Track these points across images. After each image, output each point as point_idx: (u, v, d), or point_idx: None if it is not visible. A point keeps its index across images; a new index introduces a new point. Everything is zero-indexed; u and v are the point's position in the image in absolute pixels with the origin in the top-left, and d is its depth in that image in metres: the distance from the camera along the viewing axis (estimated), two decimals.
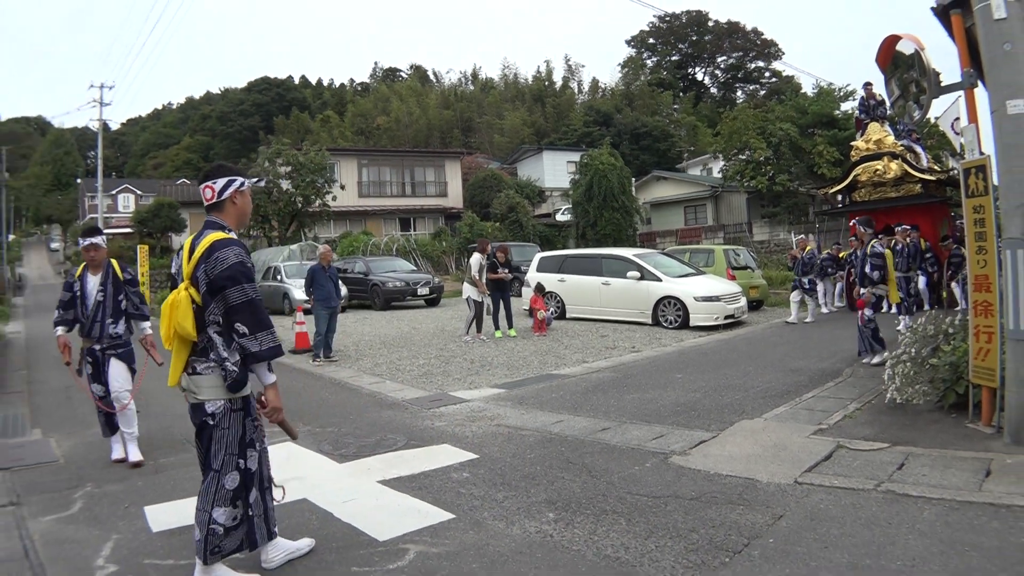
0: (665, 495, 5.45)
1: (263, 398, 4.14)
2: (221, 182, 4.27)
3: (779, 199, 36.89)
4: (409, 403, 9.32)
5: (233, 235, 4.22)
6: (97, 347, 7.08)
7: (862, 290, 10.54)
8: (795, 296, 16.22)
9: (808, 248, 16.48)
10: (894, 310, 13.11)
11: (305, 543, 4.61)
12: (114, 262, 7.27)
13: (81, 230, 8.07)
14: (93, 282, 7.09)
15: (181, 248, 4.27)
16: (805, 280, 16.10)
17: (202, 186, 4.34)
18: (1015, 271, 6.00)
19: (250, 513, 4.23)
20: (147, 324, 7.43)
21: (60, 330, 7.10)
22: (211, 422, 4.11)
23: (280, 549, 4.45)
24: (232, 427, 4.15)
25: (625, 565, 4.26)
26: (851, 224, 13.05)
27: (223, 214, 4.28)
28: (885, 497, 5.17)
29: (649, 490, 5.59)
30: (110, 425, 7.19)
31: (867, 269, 10.34)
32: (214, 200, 4.26)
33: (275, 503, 4.54)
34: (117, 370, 7.03)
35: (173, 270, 4.39)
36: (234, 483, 4.12)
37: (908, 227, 14.48)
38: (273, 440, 7.48)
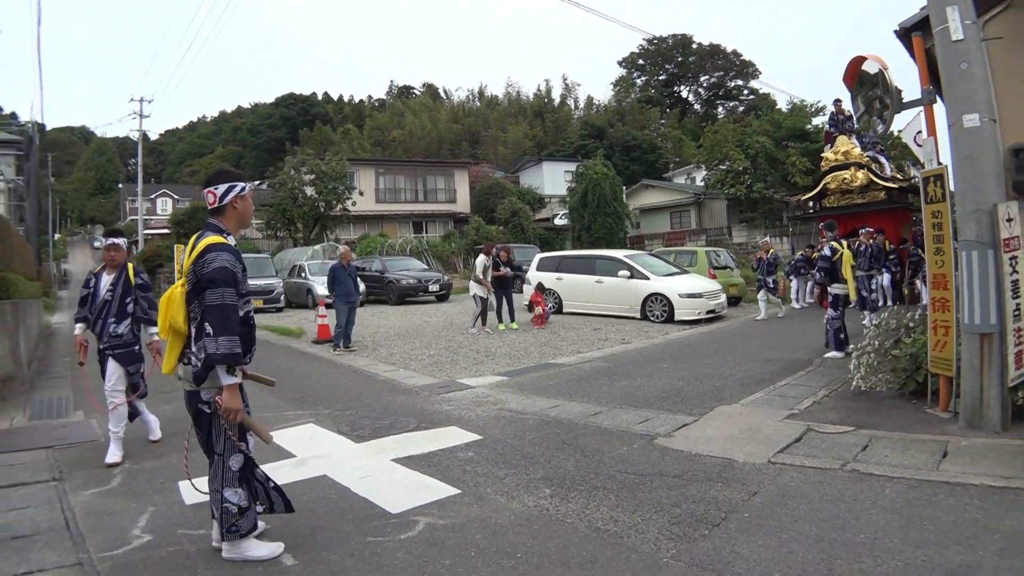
0: (651, 473, 5.45)
1: (218, 399, 3.95)
2: (223, 187, 4.18)
3: (756, 205, 36.85)
4: (420, 389, 9.31)
5: (231, 239, 4.14)
6: (101, 345, 6.67)
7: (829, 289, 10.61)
8: (762, 295, 16.19)
9: (771, 251, 16.48)
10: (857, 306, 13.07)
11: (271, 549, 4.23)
12: (130, 265, 6.84)
13: (105, 231, 7.64)
14: (106, 281, 6.72)
15: (186, 244, 4.18)
16: (769, 280, 16.10)
17: (205, 191, 4.24)
18: (969, 270, 6.01)
19: (270, 485, 4.28)
20: (155, 329, 6.72)
21: (78, 328, 6.80)
22: (207, 410, 4.07)
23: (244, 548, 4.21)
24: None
25: (614, 536, 4.26)
26: (820, 228, 13.07)
27: (224, 218, 4.20)
28: (850, 476, 5.16)
29: (636, 469, 5.59)
30: (130, 415, 6.83)
31: (814, 270, 10.42)
32: (216, 205, 4.18)
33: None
34: (111, 369, 6.57)
35: (179, 265, 4.30)
36: (239, 464, 4.12)
37: (872, 230, 14.47)
38: (296, 422, 7.56)
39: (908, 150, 19.33)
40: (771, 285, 16.11)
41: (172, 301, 4.02)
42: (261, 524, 4.39)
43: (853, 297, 10.43)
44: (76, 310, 6.83)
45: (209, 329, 3.81)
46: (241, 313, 4.00)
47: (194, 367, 3.92)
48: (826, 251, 10.72)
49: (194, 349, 3.92)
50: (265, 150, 78.95)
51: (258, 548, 4.13)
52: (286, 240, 36.50)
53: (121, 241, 6.84)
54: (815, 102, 37.72)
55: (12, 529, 4.67)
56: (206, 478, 4.16)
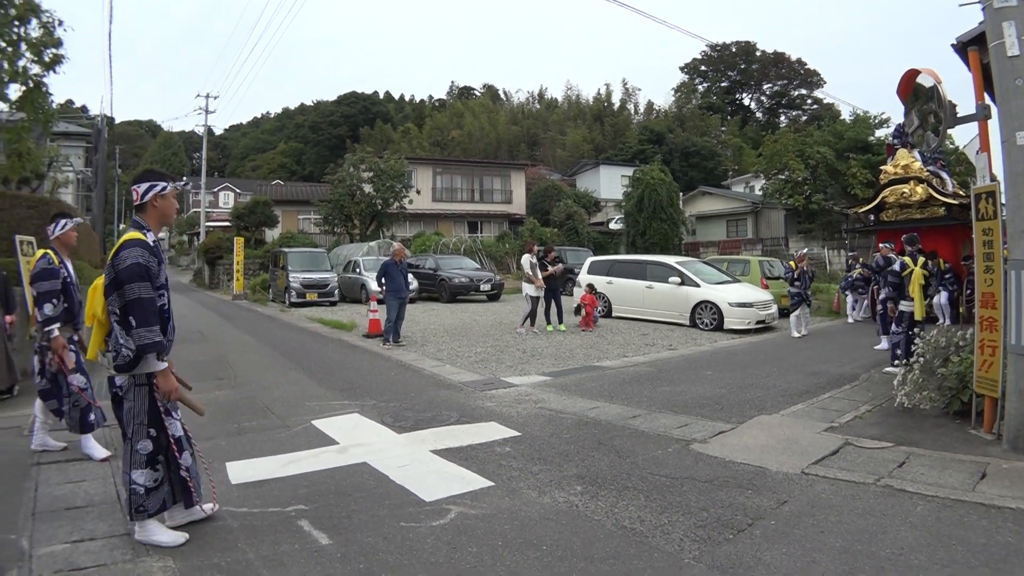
0: (682, 477, 5.50)
1: (156, 383, 4.22)
2: (144, 186, 4.37)
3: (814, 216, 36.25)
4: (464, 385, 9.46)
5: (149, 235, 4.29)
6: (76, 337, 6.27)
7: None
8: (803, 311, 15.54)
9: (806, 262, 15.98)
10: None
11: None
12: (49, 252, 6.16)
13: (54, 213, 7.07)
14: (70, 267, 6.28)
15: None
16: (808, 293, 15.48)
17: (132, 187, 4.48)
18: (1019, 290, 5.91)
19: (183, 475, 4.37)
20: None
21: (56, 329, 5.95)
22: (120, 394, 4.27)
23: (181, 517, 4.48)
24: (138, 400, 4.23)
25: (639, 535, 4.33)
26: (879, 244, 12.87)
27: (145, 215, 4.39)
28: (883, 491, 5.14)
29: (669, 472, 5.64)
30: (83, 423, 6.12)
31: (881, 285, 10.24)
32: (139, 202, 4.39)
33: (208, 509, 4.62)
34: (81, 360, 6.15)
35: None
36: (147, 449, 4.22)
37: (888, 245, 14.15)
38: (342, 411, 7.77)
39: (973, 167, 18.88)
40: (805, 298, 15.51)
41: (97, 291, 4.31)
42: (193, 512, 4.52)
43: (919, 316, 10.22)
44: (50, 306, 5.90)
45: (134, 322, 4.04)
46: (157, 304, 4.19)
47: (124, 356, 4.12)
48: (896, 267, 10.53)
49: (122, 341, 4.10)
50: (326, 147, 79.98)
51: (163, 534, 4.23)
52: (343, 236, 37.06)
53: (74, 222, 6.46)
54: (879, 114, 36.96)
55: (67, 500, 4.94)
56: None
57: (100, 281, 4.29)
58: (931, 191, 14.95)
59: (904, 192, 15.48)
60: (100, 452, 6.07)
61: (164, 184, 4.45)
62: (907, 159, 15.74)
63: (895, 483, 5.27)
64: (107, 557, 4.01)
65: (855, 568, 3.86)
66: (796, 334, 15.04)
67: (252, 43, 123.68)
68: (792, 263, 16.16)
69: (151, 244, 4.26)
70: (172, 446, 4.33)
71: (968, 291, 14.85)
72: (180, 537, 4.23)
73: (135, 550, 4.09)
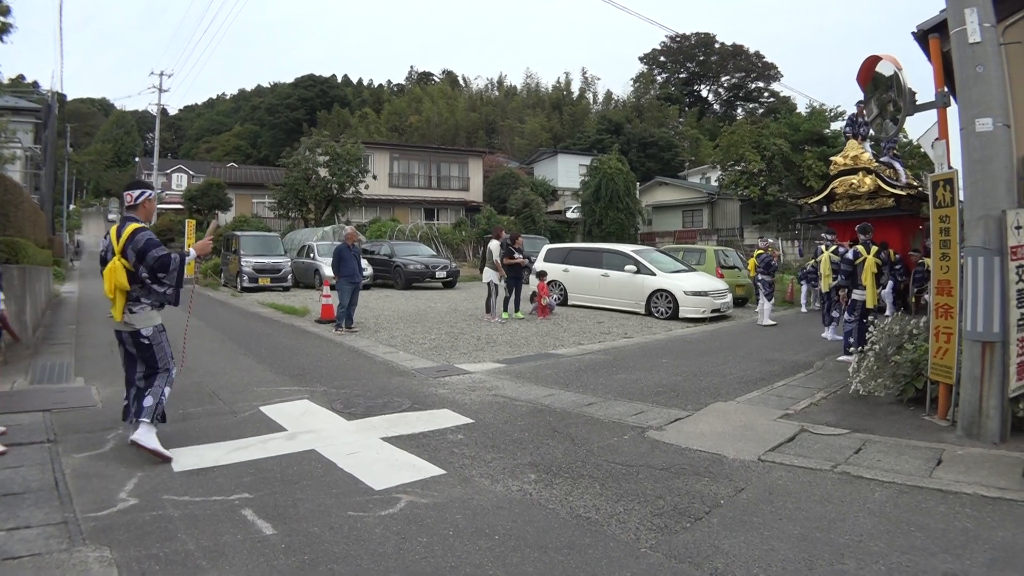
0: (638, 464, 5.41)
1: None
2: (136, 192, 5.74)
3: (769, 208, 36.66)
4: (417, 372, 9.29)
5: (144, 225, 5.62)
6: None
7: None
8: (770, 303, 15.76)
9: (759, 252, 16.14)
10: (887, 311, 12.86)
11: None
12: None
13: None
14: None
15: (108, 234, 5.59)
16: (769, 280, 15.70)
17: (124, 193, 5.85)
18: (975, 277, 5.92)
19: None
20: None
21: None
22: (147, 342, 5.57)
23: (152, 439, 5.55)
24: (163, 341, 5.67)
25: (594, 524, 4.22)
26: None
27: (137, 212, 5.72)
28: (840, 477, 5.10)
29: (624, 459, 5.54)
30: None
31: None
32: (131, 203, 5.73)
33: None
34: None
35: (101, 249, 5.73)
36: (174, 372, 5.82)
37: (830, 237, 14.26)
38: (291, 397, 7.58)
39: (928, 160, 19.11)
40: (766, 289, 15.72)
41: (115, 271, 5.41)
42: None
43: (872, 304, 10.29)
44: None
45: (162, 275, 5.50)
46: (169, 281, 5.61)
47: (166, 298, 5.64)
48: (849, 255, 10.60)
49: (160, 290, 5.56)
50: (282, 130, 78.79)
51: (158, 444, 5.42)
52: (297, 220, 36.53)
53: None
54: (835, 107, 37.49)
55: (4, 487, 4.72)
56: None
57: (112, 265, 5.40)
58: (880, 182, 15.05)
59: (853, 183, 15.56)
60: None
61: (151, 191, 5.91)
62: (856, 150, 15.84)
63: (852, 470, 5.24)
64: (42, 546, 3.82)
65: (814, 555, 3.78)
66: (769, 322, 15.13)
67: (208, 21, 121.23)
68: (761, 251, 16.25)
69: (148, 231, 5.59)
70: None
71: (915, 289, 15.04)
72: (166, 452, 5.45)
73: (71, 539, 3.91)
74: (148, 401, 5.46)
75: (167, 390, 5.67)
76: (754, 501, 4.62)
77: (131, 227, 5.47)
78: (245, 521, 4.21)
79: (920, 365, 7.04)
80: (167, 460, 5.32)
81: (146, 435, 5.36)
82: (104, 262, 5.54)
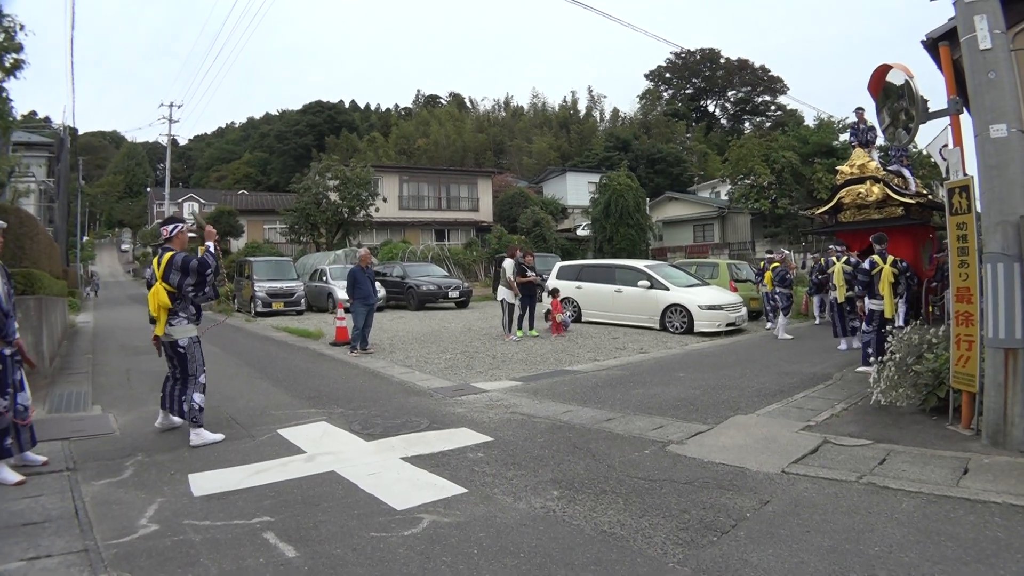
0: (661, 479, 5.36)
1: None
2: (170, 227, 6.96)
3: (780, 220, 36.61)
4: (434, 391, 9.27)
5: (177, 251, 6.75)
6: (7, 351, 5.68)
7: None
8: (786, 317, 15.72)
9: (776, 265, 16.12)
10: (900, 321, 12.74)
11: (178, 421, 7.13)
12: None
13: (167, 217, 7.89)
14: None
15: (151, 263, 6.90)
16: (786, 293, 15.68)
17: (161, 227, 7.10)
18: (995, 283, 5.86)
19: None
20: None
21: None
22: (183, 351, 6.83)
23: (166, 420, 7.20)
24: (196, 351, 6.92)
25: (619, 539, 4.18)
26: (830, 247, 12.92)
27: (172, 244, 6.87)
28: (866, 488, 5.04)
29: (647, 474, 5.50)
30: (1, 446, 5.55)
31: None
32: (168, 236, 6.90)
33: None
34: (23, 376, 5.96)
35: (147, 275, 7.05)
36: (204, 380, 6.98)
37: (839, 248, 14.15)
38: (309, 420, 7.57)
39: (938, 170, 18.92)
40: (782, 303, 15.69)
41: (157, 293, 6.69)
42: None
43: (889, 314, 10.23)
44: None
45: (208, 273, 6.80)
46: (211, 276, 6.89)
47: (189, 318, 6.91)
48: (866, 265, 10.55)
49: (192, 309, 6.94)
50: (292, 156, 79.31)
51: (212, 436, 6.73)
52: (309, 245, 36.68)
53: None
54: (843, 118, 37.45)
55: (24, 516, 4.71)
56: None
57: (156, 288, 6.68)
58: (888, 190, 14.92)
59: (860, 192, 15.35)
60: (12, 477, 5.48)
61: (182, 224, 7.07)
62: (863, 158, 15.63)
63: (878, 480, 5.18)
64: (63, 575, 3.82)
65: (845, 567, 3.73)
66: (787, 336, 15.05)
67: (217, 52, 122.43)
68: (777, 264, 16.16)
69: (184, 252, 6.82)
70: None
71: (935, 287, 14.84)
72: (220, 435, 6.81)
73: (92, 567, 3.89)
74: (185, 410, 6.77)
75: (197, 396, 6.78)
76: (780, 514, 4.56)
77: (168, 255, 6.67)
78: (267, 544, 4.19)
79: (942, 374, 6.97)
80: (220, 439, 6.71)
81: (195, 439, 6.62)
82: (149, 287, 6.83)
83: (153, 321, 6.89)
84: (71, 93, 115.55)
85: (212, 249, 6.99)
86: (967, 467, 5.42)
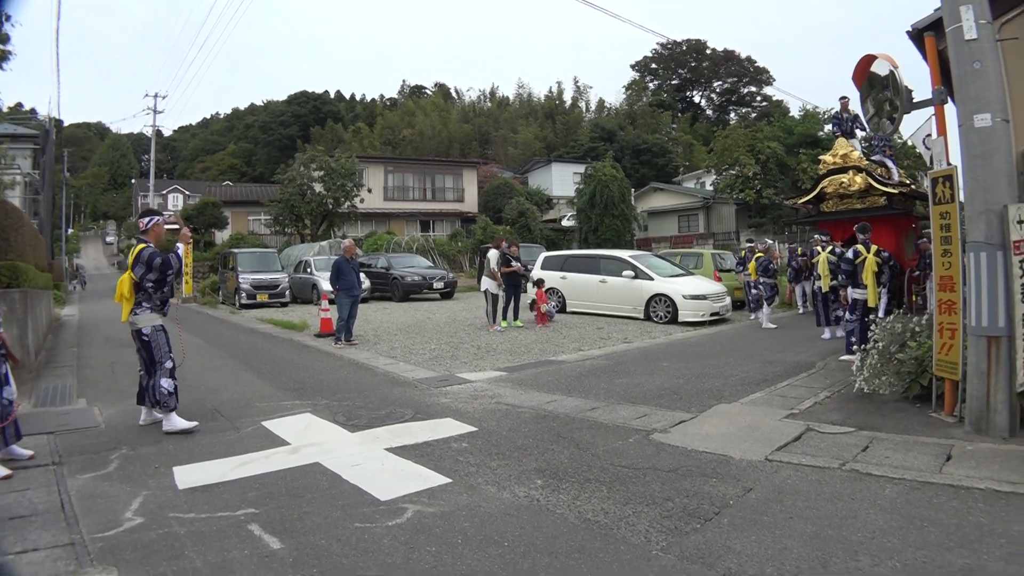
0: (645, 467, 5.37)
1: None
2: (146, 219, 7.21)
3: (765, 211, 36.72)
4: (419, 382, 9.24)
5: (151, 245, 6.94)
6: None
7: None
8: (771, 307, 15.83)
9: (760, 255, 16.20)
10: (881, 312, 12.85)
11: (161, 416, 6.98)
12: None
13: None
14: None
15: (130, 251, 7.14)
16: (771, 283, 15.80)
17: (138, 220, 7.26)
18: (977, 272, 5.90)
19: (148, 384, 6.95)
20: None
21: None
22: (146, 339, 6.90)
23: (149, 416, 7.09)
24: (160, 338, 6.96)
25: (603, 527, 4.17)
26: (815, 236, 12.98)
27: (147, 235, 7.07)
28: (849, 475, 5.06)
29: (630, 462, 5.50)
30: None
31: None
32: (143, 229, 7.15)
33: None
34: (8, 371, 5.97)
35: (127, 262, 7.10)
36: (170, 365, 6.95)
37: (824, 238, 14.25)
38: (293, 411, 7.54)
39: (921, 160, 18.93)
40: (767, 292, 15.78)
41: (124, 283, 6.94)
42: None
43: (873, 303, 10.28)
44: None
45: (169, 273, 6.97)
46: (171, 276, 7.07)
47: (151, 308, 6.97)
48: (849, 254, 10.60)
49: (157, 297, 7.01)
50: (277, 147, 78.67)
51: (182, 422, 6.80)
52: (294, 236, 36.49)
53: None
54: (828, 109, 37.48)
55: (11, 510, 4.67)
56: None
57: (123, 278, 6.96)
58: (871, 180, 14.94)
59: (843, 182, 15.36)
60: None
61: (158, 217, 7.31)
62: (846, 148, 15.64)
63: (861, 467, 5.20)
64: (50, 569, 3.78)
65: (828, 553, 3.74)
66: (771, 325, 15.11)
67: (201, 42, 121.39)
68: (761, 254, 16.23)
69: (155, 247, 7.00)
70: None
71: (917, 276, 14.88)
72: (192, 423, 6.86)
73: (79, 560, 3.86)
74: (153, 398, 6.82)
75: (164, 381, 6.80)
76: (764, 501, 4.57)
77: (138, 248, 6.90)
78: (252, 536, 4.16)
79: (925, 362, 7.00)
80: (194, 430, 6.75)
81: (166, 425, 6.76)
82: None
83: None
84: (56, 84, 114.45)
85: (180, 252, 7.28)
86: (950, 454, 5.45)
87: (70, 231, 71.06)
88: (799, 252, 18.47)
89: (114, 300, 7.07)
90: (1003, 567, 3.56)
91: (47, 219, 32.72)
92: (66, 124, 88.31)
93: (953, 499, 4.51)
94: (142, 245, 6.87)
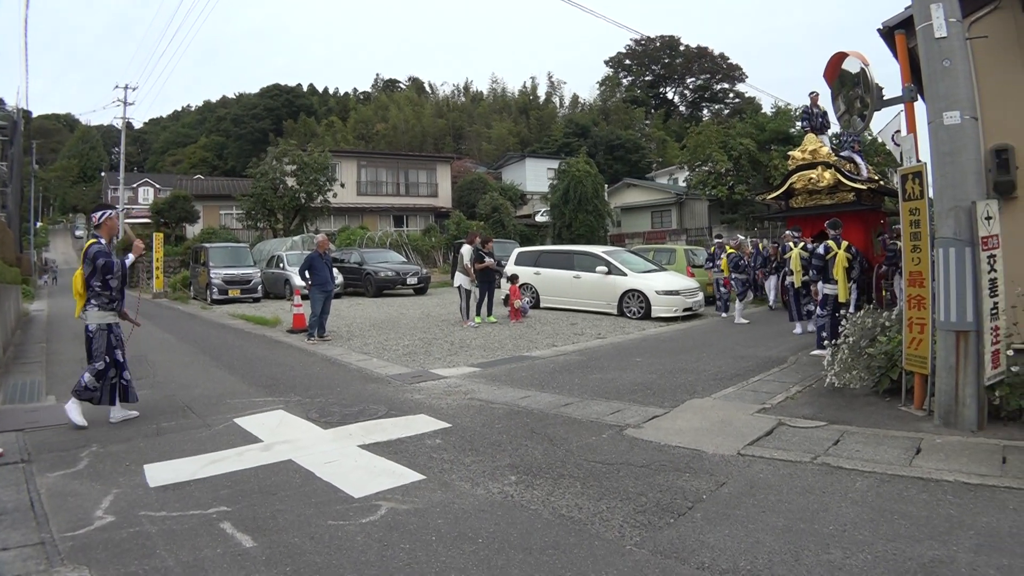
0: (618, 463, 5.38)
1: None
2: (99, 214, 7.11)
3: (737, 207, 36.93)
4: (392, 378, 9.20)
5: (102, 242, 6.97)
6: None
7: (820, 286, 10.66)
8: (743, 302, 15.97)
9: (731, 251, 16.34)
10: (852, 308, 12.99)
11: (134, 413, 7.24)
12: None
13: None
14: None
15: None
16: (743, 279, 15.93)
17: (91, 215, 7.22)
18: (946, 268, 5.97)
19: (112, 383, 7.01)
20: None
21: None
22: (90, 335, 6.90)
23: (120, 412, 7.11)
24: (101, 338, 6.91)
25: (577, 523, 4.17)
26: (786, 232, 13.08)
27: (100, 231, 7.05)
28: (820, 469, 5.10)
29: (604, 458, 5.51)
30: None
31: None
32: (96, 223, 7.06)
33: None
34: None
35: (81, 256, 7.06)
36: (100, 367, 6.86)
37: (794, 233, 14.42)
38: (265, 408, 7.48)
39: (891, 157, 19.09)
40: (738, 288, 15.91)
41: (77, 279, 7.02)
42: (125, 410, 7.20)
43: (843, 298, 10.37)
44: None
45: (108, 277, 6.89)
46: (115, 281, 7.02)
47: (98, 307, 6.91)
48: (820, 250, 10.68)
49: (104, 296, 6.92)
50: (249, 140, 78.08)
51: (78, 415, 6.83)
52: (266, 231, 36.15)
53: None
54: (800, 106, 37.77)
55: None
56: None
57: (77, 273, 7.02)
58: (840, 176, 15.06)
59: (812, 178, 15.47)
60: None
61: (111, 211, 7.23)
62: (815, 144, 15.76)
63: (832, 460, 5.25)
64: (20, 568, 3.73)
65: (800, 546, 3.77)
66: (743, 320, 15.22)
67: (173, 33, 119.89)
68: (732, 250, 16.32)
69: (104, 245, 6.98)
70: (122, 364, 7.11)
71: (885, 272, 15.03)
72: (85, 421, 6.83)
73: (49, 560, 3.81)
74: (77, 385, 6.87)
75: (88, 376, 6.82)
76: (736, 495, 4.60)
77: (88, 243, 6.98)
78: (224, 534, 4.12)
79: (895, 356, 7.08)
80: (82, 427, 6.73)
81: (70, 408, 6.86)
82: None
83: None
84: (24, 74, 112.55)
85: (128, 260, 7.23)
86: (920, 447, 5.51)
87: (39, 225, 69.88)
88: (760, 245, 18.68)
89: (74, 295, 7.10)
90: (972, 558, 3.59)
91: (15, 212, 32.16)
92: (35, 115, 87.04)
93: (923, 492, 4.56)
94: (92, 240, 6.95)
